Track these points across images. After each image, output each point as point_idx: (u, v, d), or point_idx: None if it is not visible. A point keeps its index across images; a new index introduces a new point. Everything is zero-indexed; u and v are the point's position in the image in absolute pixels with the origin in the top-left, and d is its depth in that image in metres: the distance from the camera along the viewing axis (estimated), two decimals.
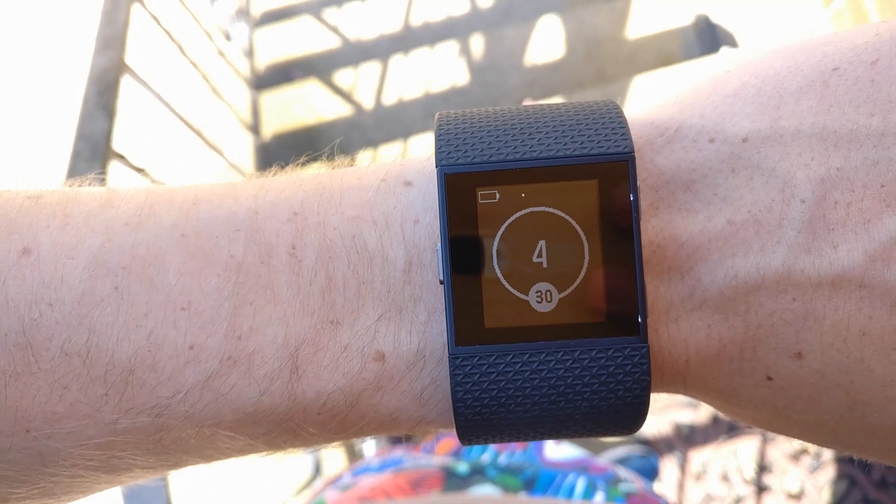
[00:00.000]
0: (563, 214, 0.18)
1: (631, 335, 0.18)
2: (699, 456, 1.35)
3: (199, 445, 0.19)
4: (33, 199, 0.19)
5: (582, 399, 0.18)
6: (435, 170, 0.18)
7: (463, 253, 0.18)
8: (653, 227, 0.18)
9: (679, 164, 0.19)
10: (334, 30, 1.98)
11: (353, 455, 1.37)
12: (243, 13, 1.91)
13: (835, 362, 0.17)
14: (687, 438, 1.37)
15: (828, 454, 1.32)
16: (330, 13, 2.00)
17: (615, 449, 1.33)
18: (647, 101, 0.20)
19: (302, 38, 1.99)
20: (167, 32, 1.20)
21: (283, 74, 1.93)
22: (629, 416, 0.18)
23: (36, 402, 0.18)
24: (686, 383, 0.19)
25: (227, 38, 1.74)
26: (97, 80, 0.90)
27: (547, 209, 0.18)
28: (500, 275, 0.18)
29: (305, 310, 0.18)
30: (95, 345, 0.18)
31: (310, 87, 1.86)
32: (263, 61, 1.95)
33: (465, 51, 1.87)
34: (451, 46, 1.87)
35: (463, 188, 0.18)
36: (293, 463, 1.44)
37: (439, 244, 0.18)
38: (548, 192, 0.18)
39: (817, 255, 0.17)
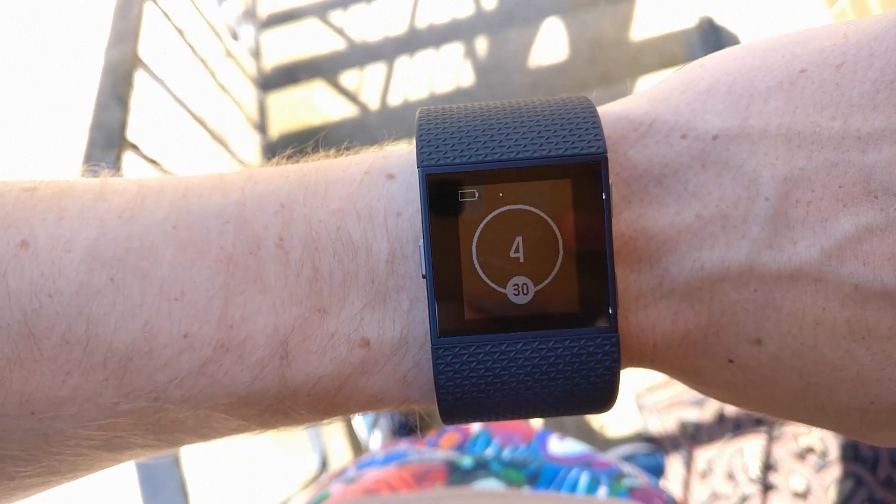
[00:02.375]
0: (538, 212, 0.19)
1: (602, 325, 0.19)
2: (704, 454, 1.35)
3: (196, 426, 0.20)
4: (29, 192, 0.19)
5: (556, 385, 0.19)
6: (416, 165, 0.19)
7: (444, 249, 0.19)
8: (625, 220, 0.19)
9: (652, 158, 0.19)
10: (340, 32, 1.99)
11: (359, 449, 1.37)
12: (250, 14, 1.92)
13: (790, 348, 0.19)
14: (692, 437, 1.37)
15: (834, 453, 1.32)
16: (336, 15, 2.02)
17: (621, 447, 1.33)
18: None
19: (308, 39, 2.00)
20: (178, 29, 1.21)
21: (289, 75, 1.94)
22: (600, 398, 0.19)
23: (40, 387, 0.18)
24: (653, 362, 0.20)
25: (235, 38, 1.75)
26: (111, 72, 0.90)
27: (523, 207, 0.19)
28: (479, 269, 0.19)
29: (293, 299, 0.19)
30: (94, 334, 0.18)
31: (316, 88, 1.87)
32: (270, 62, 1.96)
33: (470, 52, 1.88)
34: (455, 48, 1.88)
35: (443, 187, 0.19)
36: (300, 458, 1.44)
37: (421, 240, 0.19)
38: (524, 190, 0.19)
39: (778, 250, 0.18)
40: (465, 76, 1.87)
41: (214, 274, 0.19)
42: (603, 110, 0.20)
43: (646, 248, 0.19)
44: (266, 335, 0.19)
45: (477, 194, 0.19)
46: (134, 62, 0.95)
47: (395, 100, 1.86)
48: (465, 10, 2.01)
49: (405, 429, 1.34)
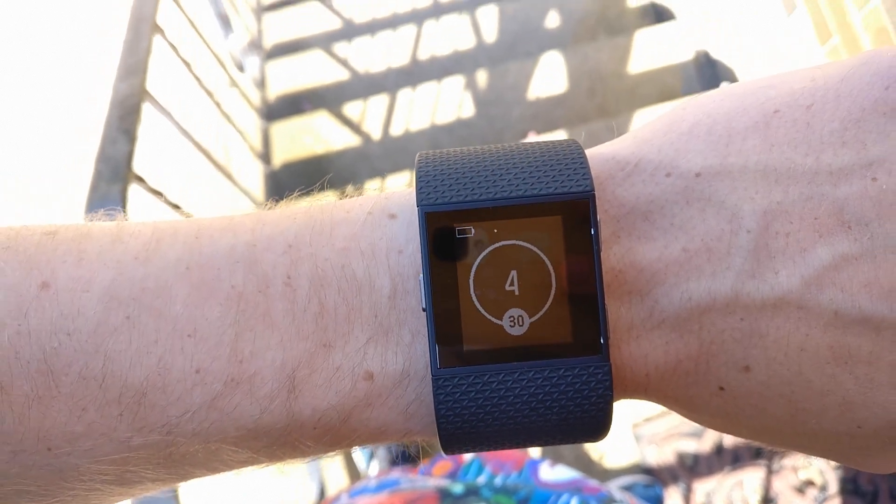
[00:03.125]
0: (531, 247, 0.20)
1: (594, 354, 0.19)
2: (703, 487, 1.34)
3: (206, 459, 0.21)
4: (49, 236, 0.21)
5: (552, 413, 0.20)
6: (416, 205, 0.20)
7: (442, 283, 0.20)
8: (615, 254, 0.20)
9: (638, 196, 0.20)
10: (344, 63, 2.02)
11: (357, 478, 1.36)
12: (255, 45, 1.95)
13: (777, 375, 0.19)
14: (691, 469, 1.36)
15: (833, 487, 1.31)
16: (340, 47, 2.05)
17: (619, 478, 1.33)
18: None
19: (312, 70, 2.03)
20: (185, 62, 1.23)
21: (293, 105, 1.96)
22: (594, 426, 0.20)
23: (56, 423, 0.19)
24: (647, 392, 0.21)
25: (241, 69, 1.78)
26: (119, 105, 0.92)
27: (517, 242, 0.20)
28: (476, 302, 0.20)
29: (300, 335, 0.20)
30: (110, 370, 0.19)
31: (319, 118, 1.89)
32: (274, 92, 1.99)
33: (471, 84, 1.90)
34: (456, 80, 1.91)
35: (441, 225, 0.20)
36: (299, 486, 1.44)
37: (421, 275, 0.20)
38: (517, 227, 0.20)
39: (761, 280, 0.19)
40: (466, 107, 1.89)
41: (225, 311, 0.20)
42: (591, 152, 0.22)
43: (635, 282, 0.20)
44: (274, 369, 0.20)
45: (473, 231, 0.20)
46: (141, 95, 0.96)
47: (396, 130, 1.88)
48: (466, 43, 2.05)
49: (403, 459, 1.33)
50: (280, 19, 2.17)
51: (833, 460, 0.22)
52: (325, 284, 0.20)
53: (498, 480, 0.61)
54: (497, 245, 0.20)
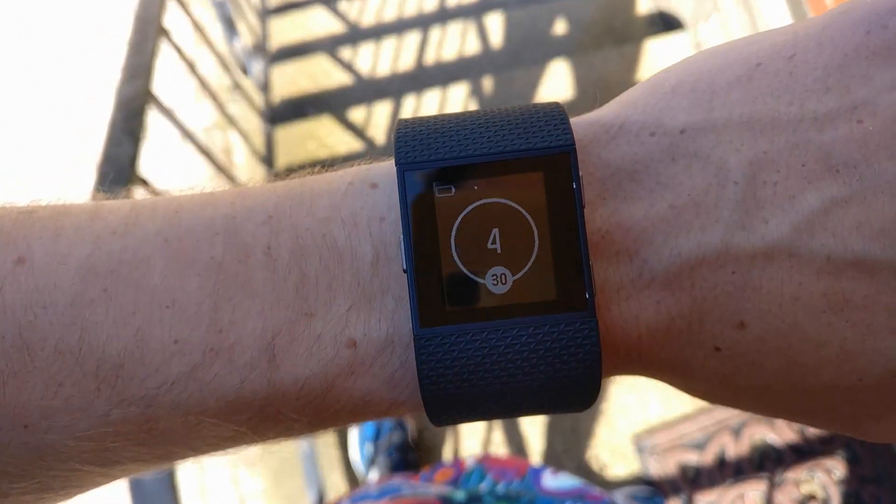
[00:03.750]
0: (513, 204, 0.20)
1: (580, 310, 0.19)
2: (705, 499, 1.34)
3: (187, 435, 0.20)
4: (26, 214, 0.20)
5: (538, 371, 0.19)
6: (395, 169, 0.20)
7: (423, 242, 0.19)
8: (601, 216, 0.20)
9: (624, 156, 0.20)
10: (348, 67, 2.02)
11: (354, 483, 1.36)
12: (260, 49, 1.95)
13: (773, 328, 0.19)
14: (693, 481, 1.35)
15: (836, 501, 1.30)
16: (345, 51, 2.05)
17: (621, 490, 1.32)
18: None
19: (316, 74, 2.03)
20: (190, 64, 1.23)
21: (297, 109, 1.96)
22: (583, 386, 0.19)
23: (32, 399, 0.19)
24: (641, 359, 0.21)
25: (245, 72, 1.78)
26: (124, 107, 0.92)
27: (498, 200, 0.20)
28: (458, 261, 0.19)
29: (281, 303, 0.19)
30: (87, 342, 0.19)
31: (323, 123, 1.89)
32: (278, 96, 1.99)
33: (477, 91, 1.90)
34: (462, 86, 1.91)
35: (421, 184, 0.20)
36: (298, 493, 1.43)
37: (402, 236, 0.19)
38: (498, 184, 0.20)
39: (751, 230, 0.19)
40: None
41: (204, 281, 0.19)
42: (575, 118, 0.21)
43: (623, 241, 0.20)
44: (254, 339, 0.19)
45: (453, 190, 0.20)
46: (146, 97, 0.96)
47: None
48: (472, 49, 2.05)
49: (402, 466, 1.33)
50: (284, 23, 2.17)
51: (837, 430, 0.21)
52: (306, 254, 0.20)
53: (500, 488, 0.61)
54: (478, 203, 0.20)
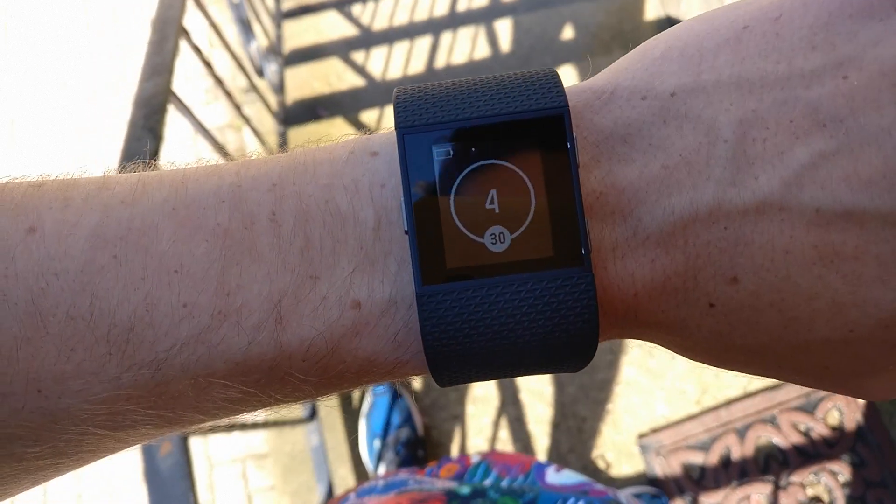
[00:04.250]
0: (509, 165, 0.20)
1: (576, 265, 0.20)
2: (710, 501, 1.34)
3: (196, 397, 0.21)
4: (36, 186, 0.21)
5: (537, 326, 0.19)
6: (395, 133, 0.21)
7: (423, 204, 0.20)
8: (595, 178, 0.20)
9: (616, 121, 0.21)
10: (361, 70, 2.04)
11: (363, 477, 1.37)
12: (274, 50, 1.97)
13: (766, 282, 0.19)
14: (697, 482, 1.36)
15: None
16: (357, 55, 2.07)
17: (625, 489, 1.33)
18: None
19: (329, 77, 2.05)
20: (207, 64, 1.25)
21: (310, 111, 1.98)
22: (581, 342, 0.20)
23: (45, 364, 0.19)
24: (638, 318, 0.21)
25: (259, 73, 1.80)
26: (144, 104, 0.94)
27: (495, 161, 0.20)
28: (457, 221, 0.20)
29: (287, 267, 0.20)
30: (98, 308, 0.19)
31: (335, 125, 1.91)
32: (291, 97, 2.01)
33: None
34: None
35: (420, 146, 0.20)
36: (307, 489, 1.44)
37: (402, 198, 0.20)
38: (495, 146, 0.20)
39: (742, 186, 0.19)
40: None
41: (211, 247, 0.20)
42: (569, 87, 0.22)
43: (617, 202, 0.20)
44: (261, 301, 0.20)
45: (451, 153, 0.20)
46: (167, 95, 0.98)
47: None
48: (482, 53, 2.06)
49: (410, 463, 1.34)
50: (298, 26, 2.20)
51: (831, 388, 0.21)
52: (310, 219, 0.21)
53: (505, 483, 0.62)
54: (475, 165, 0.20)
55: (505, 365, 0.21)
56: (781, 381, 0.24)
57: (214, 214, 0.21)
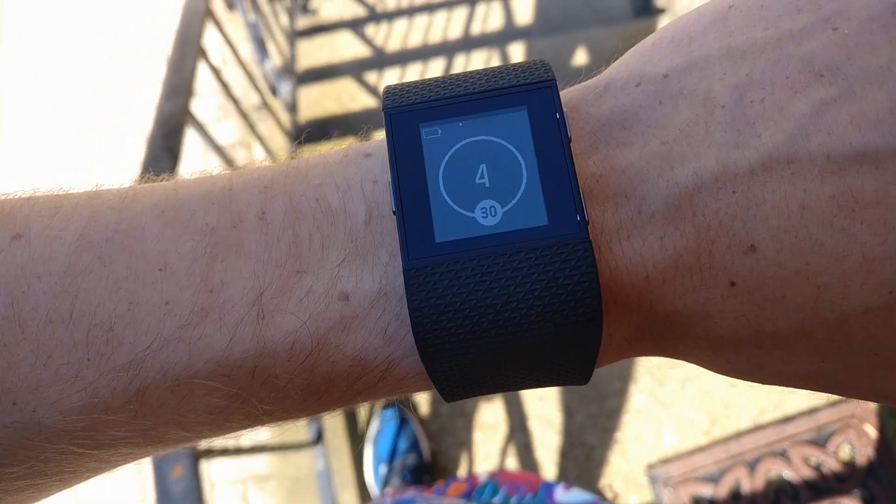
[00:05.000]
0: (498, 140, 0.20)
1: (572, 232, 0.18)
2: None
3: (178, 407, 0.20)
4: (26, 199, 0.21)
5: (534, 298, 0.18)
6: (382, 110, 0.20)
7: (411, 182, 0.19)
8: (593, 162, 0.20)
9: (612, 109, 0.20)
10: (373, 91, 2.05)
11: (366, 496, 1.36)
12: (288, 70, 1.98)
13: (786, 246, 0.18)
14: None
15: None
16: (370, 76, 2.08)
17: None
18: None
19: (342, 96, 2.06)
20: (225, 84, 1.26)
21: (322, 131, 1.99)
22: (583, 317, 0.18)
23: (21, 373, 0.18)
24: (654, 308, 0.19)
25: (274, 92, 1.81)
26: (164, 124, 0.94)
27: (484, 137, 0.20)
28: (446, 197, 0.19)
29: (273, 263, 0.19)
30: (78, 309, 0.19)
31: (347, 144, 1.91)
32: (304, 116, 2.02)
33: None
34: None
35: (407, 125, 0.20)
36: None
37: (389, 178, 0.20)
38: (483, 122, 0.20)
39: (745, 147, 0.18)
40: None
41: (197, 245, 0.19)
42: (564, 86, 0.22)
43: (618, 182, 0.19)
44: (244, 297, 0.19)
45: (440, 131, 0.20)
46: (185, 115, 0.98)
47: None
48: None
49: (416, 481, 1.33)
50: (313, 45, 2.21)
51: (891, 394, 0.19)
52: (300, 216, 0.20)
53: (513, 501, 0.61)
54: (464, 142, 0.20)
55: (504, 353, 0.19)
56: (822, 399, 0.21)
57: (203, 215, 0.20)
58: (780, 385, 0.21)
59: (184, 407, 0.20)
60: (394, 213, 0.19)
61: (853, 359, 0.19)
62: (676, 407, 1.43)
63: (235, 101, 1.31)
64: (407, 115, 0.20)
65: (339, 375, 0.20)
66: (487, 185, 0.19)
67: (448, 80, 0.21)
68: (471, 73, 0.22)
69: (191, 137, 1.15)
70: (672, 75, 0.20)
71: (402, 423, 1.38)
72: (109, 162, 2.19)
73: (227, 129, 2.11)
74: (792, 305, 0.18)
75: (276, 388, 0.20)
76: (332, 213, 0.20)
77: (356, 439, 1.43)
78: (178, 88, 0.99)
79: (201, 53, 1.11)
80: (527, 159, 0.20)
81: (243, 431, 0.22)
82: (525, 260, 0.18)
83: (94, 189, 0.21)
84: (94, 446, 0.20)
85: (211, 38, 1.26)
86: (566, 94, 0.21)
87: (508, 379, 0.21)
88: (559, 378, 0.21)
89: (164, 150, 0.91)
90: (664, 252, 0.19)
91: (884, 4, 0.18)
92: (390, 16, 2.32)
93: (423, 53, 2.16)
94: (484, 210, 0.19)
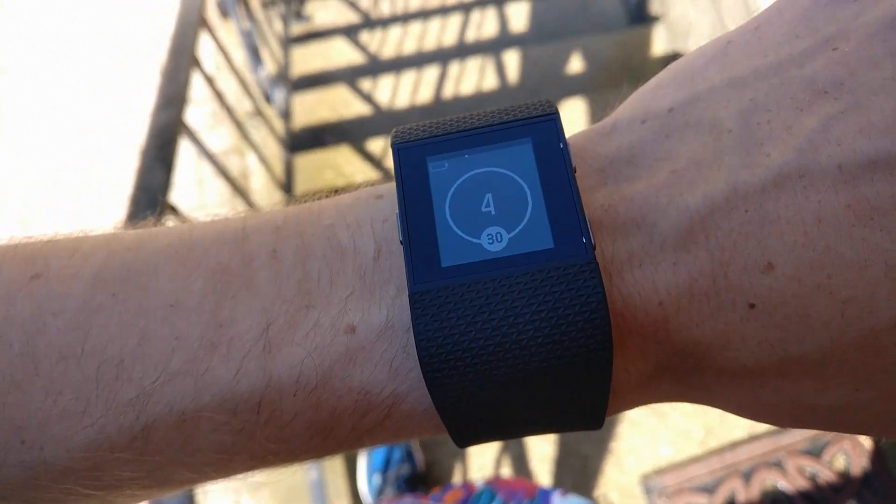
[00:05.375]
0: (504, 170, 0.20)
1: (577, 254, 0.18)
2: None
3: (184, 445, 0.20)
4: (47, 241, 0.21)
5: (540, 319, 0.18)
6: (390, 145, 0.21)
7: (418, 212, 0.20)
8: (602, 195, 0.20)
9: (619, 146, 0.21)
10: (368, 99, 2.05)
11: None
12: (282, 77, 1.98)
13: (805, 261, 0.17)
14: None
15: None
16: (365, 83, 2.08)
17: None
18: None
19: (336, 104, 2.05)
20: (219, 94, 1.25)
21: (316, 138, 1.98)
22: (592, 337, 0.18)
23: (31, 410, 0.19)
24: (671, 338, 0.19)
25: (268, 100, 1.80)
26: (158, 135, 0.93)
27: (490, 169, 0.20)
28: (452, 225, 0.20)
29: (282, 298, 0.20)
30: (90, 345, 0.19)
31: (341, 152, 1.91)
32: (298, 124, 2.01)
33: None
34: None
35: (415, 159, 0.21)
36: None
37: (397, 209, 0.20)
38: (489, 154, 0.21)
39: (755, 166, 0.18)
40: None
41: (208, 282, 0.20)
42: (571, 132, 0.22)
43: (628, 212, 0.19)
44: (252, 331, 0.19)
45: (446, 164, 0.21)
46: (179, 126, 0.98)
47: None
48: (490, 85, 2.07)
49: (411, 490, 1.32)
50: (307, 51, 2.21)
51: None
52: (311, 254, 0.20)
53: None
54: (471, 173, 0.20)
55: (511, 379, 0.18)
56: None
57: (216, 254, 0.20)
58: (816, 427, 0.20)
59: (190, 445, 0.20)
60: (401, 242, 0.19)
61: (890, 385, 0.18)
62: (672, 418, 1.43)
63: (229, 110, 1.31)
64: (414, 149, 0.21)
65: (345, 411, 0.20)
66: (493, 213, 0.20)
67: (454, 119, 0.22)
68: (476, 112, 0.22)
69: (184, 145, 1.15)
70: (677, 109, 0.20)
71: None
72: (109, 162, 2.18)
73: (221, 136, 2.11)
74: (817, 325, 0.17)
75: (282, 425, 0.20)
76: (341, 250, 0.20)
77: None
78: (172, 99, 0.98)
79: (195, 63, 1.11)
80: (532, 188, 0.20)
81: (249, 473, 0.22)
82: (531, 282, 0.18)
83: (113, 231, 0.22)
84: (100, 487, 0.20)
85: (204, 45, 1.26)
86: (573, 138, 0.22)
87: (519, 417, 0.20)
88: (572, 416, 0.21)
89: (157, 160, 0.90)
90: (678, 278, 0.18)
91: (881, 21, 0.18)
92: (384, 22, 2.32)
93: (418, 60, 2.15)
94: (490, 236, 0.19)
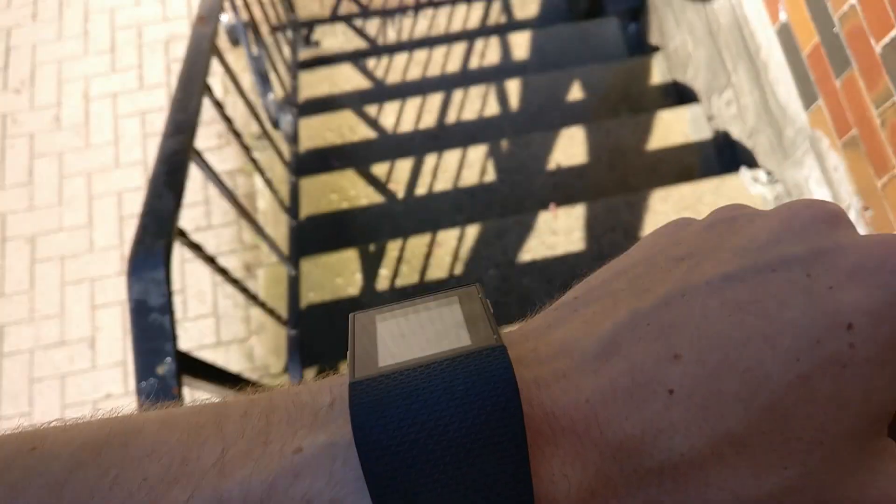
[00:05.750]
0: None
1: (491, 343, 0.22)
2: None
3: None
4: (54, 423, 0.24)
5: (458, 383, 0.21)
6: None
7: (363, 339, 0.24)
8: (529, 345, 0.23)
9: (539, 324, 0.24)
10: (373, 124, 2.08)
11: None
12: (289, 101, 2.02)
13: (704, 347, 0.21)
14: None
15: None
16: (370, 108, 2.12)
17: None
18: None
19: (342, 128, 2.09)
20: (227, 119, 1.29)
21: (322, 161, 2.02)
22: (502, 395, 0.20)
23: None
24: (604, 434, 0.20)
25: (275, 125, 1.84)
26: (167, 161, 0.97)
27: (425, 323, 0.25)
28: (390, 344, 0.23)
29: (245, 438, 0.22)
30: (68, 496, 0.21)
31: (346, 176, 1.94)
32: (304, 147, 2.05)
33: (495, 151, 1.96)
34: (481, 147, 1.96)
35: (365, 320, 0.25)
36: None
37: (348, 349, 0.23)
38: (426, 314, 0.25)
39: (647, 300, 0.22)
40: (488, 173, 1.94)
41: (182, 436, 0.23)
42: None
43: (549, 349, 0.23)
44: (211, 459, 0.22)
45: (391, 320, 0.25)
46: (188, 153, 1.01)
47: (420, 191, 1.93)
48: (492, 111, 2.11)
49: None
50: (314, 77, 2.26)
51: (839, 481, 0.20)
52: (275, 409, 0.23)
53: None
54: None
55: (436, 446, 0.21)
56: None
57: (195, 417, 0.23)
58: None
59: None
60: (345, 353, 0.23)
61: (808, 458, 0.20)
62: None
63: (237, 135, 1.34)
64: (364, 314, 0.26)
65: None
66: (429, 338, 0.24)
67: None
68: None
69: (191, 167, 1.18)
70: (580, 296, 0.24)
71: None
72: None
73: (228, 158, 2.14)
74: (730, 399, 0.20)
75: None
76: (301, 404, 0.23)
77: None
78: (182, 126, 1.02)
79: (206, 90, 1.15)
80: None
81: None
82: (451, 363, 0.21)
83: (112, 409, 0.25)
84: None
85: (214, 69, 1.30)
86: (509, 335, 0.24)
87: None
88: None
89: (166, 186, 0.93)
90: (600, 380, 0.21)
91: (708, 220, 0.24)
92: (391, 49, 2.36)
93: (422, 87, 2.20)
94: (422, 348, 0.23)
